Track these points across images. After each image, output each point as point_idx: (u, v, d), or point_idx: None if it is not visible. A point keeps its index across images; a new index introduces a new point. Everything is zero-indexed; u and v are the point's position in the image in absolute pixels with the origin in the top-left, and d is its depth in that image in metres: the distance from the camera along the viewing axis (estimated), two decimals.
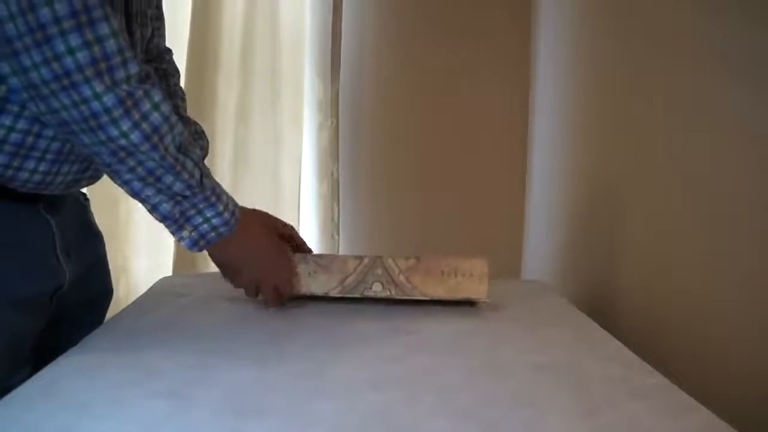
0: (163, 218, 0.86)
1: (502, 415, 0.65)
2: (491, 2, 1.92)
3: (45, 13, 0.70)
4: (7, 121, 0.79)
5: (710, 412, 0.66)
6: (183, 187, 0.84)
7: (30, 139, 0.81)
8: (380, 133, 1.99)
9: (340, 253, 1.93)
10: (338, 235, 1.96)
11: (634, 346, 0.87)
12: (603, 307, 1.19)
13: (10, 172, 0.82)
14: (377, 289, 1.02)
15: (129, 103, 0.76)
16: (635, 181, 1.15)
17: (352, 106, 1.97)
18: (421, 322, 0.96)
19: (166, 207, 0.84)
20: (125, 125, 0.77)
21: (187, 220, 0.86)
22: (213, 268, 0.98)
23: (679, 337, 0.96)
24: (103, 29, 0.73)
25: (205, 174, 0.88)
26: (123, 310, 1.04)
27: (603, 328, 0.97)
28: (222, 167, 1.88)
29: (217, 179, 0.90)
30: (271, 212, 1.08)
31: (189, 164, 0.84)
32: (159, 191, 0.83)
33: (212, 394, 0.69)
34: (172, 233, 0.87)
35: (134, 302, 1.09)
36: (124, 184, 0.83)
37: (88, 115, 0.75)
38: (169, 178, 0.82)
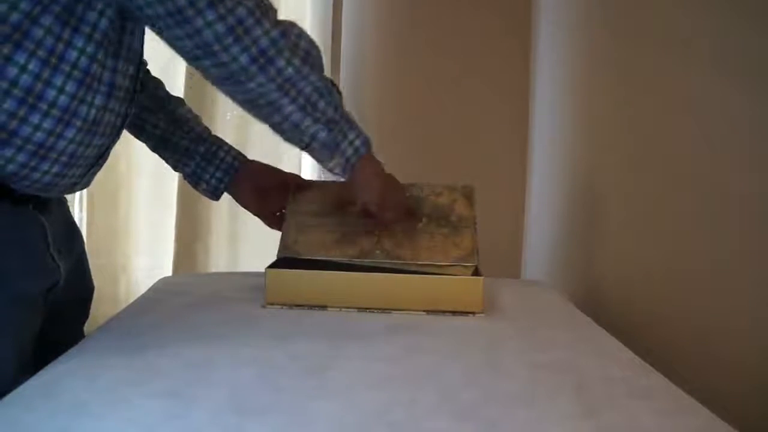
0: (322, 146, 0.93)
1: (502, 415, 0.65)
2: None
3: None
4: (35, 119, 0.79)
5: (710, 412, 0.66)
6: (332, 111, 0.92)
7: (51, 140, 0.81)
8: (380, 132, 1.97)
9: None
10: None
11: (634, 346, 0.87)
12: (603, 307, 1.19)
13: (25, 171, 0.82)
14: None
15: (287, 34, 0.87)
16: (636, 181, 1.15)
17: (352, 105, 1.97)
18: (421, 322, 0.96)
19: (323, 135, 0.92)
20: (287, 53, 0.86)
21: (337, 146, 0.94)
22: (213, 268, 0.98)
23: (680, 337, 0.96)
24: None
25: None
26: (123, 310, 1.04)
27: (603, 327, 0.97)
28: None
29: None
30: None
31: (330, 86, 0.92)
32: (316, 120, 0.91)
33: (213, 393, 0.69)
34: (322, 162, 0.96)
35: (134, 302, 1.09)
36: (285, 119, 0.90)
37: (256, 54, 0.84)
38: (322, 103, 0.91)
